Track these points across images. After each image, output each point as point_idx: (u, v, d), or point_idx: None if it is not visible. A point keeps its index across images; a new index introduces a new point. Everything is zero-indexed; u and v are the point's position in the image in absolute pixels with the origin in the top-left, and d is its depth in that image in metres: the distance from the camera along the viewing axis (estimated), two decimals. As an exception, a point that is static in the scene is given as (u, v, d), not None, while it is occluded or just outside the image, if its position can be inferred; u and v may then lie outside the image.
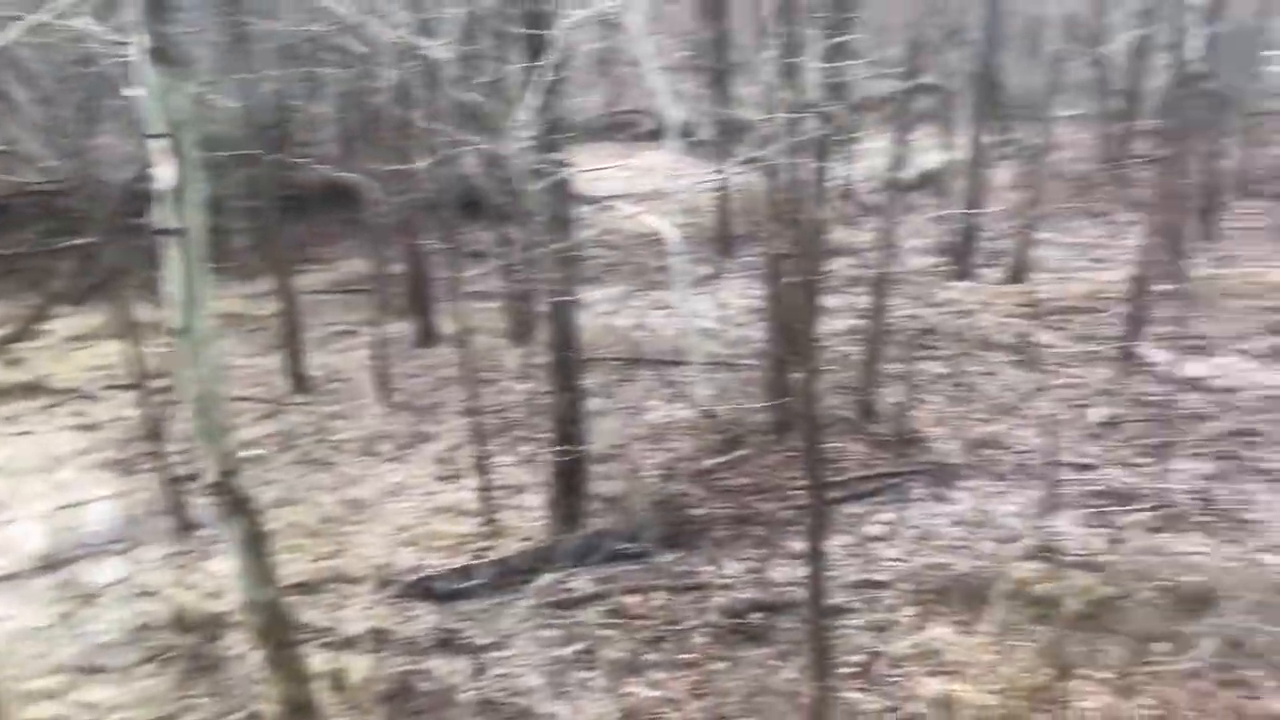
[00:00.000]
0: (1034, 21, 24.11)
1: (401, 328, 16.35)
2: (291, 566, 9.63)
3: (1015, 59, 23.69)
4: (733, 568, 9.64)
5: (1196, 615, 7.91)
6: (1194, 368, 14.21)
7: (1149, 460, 11.38)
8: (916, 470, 11.37)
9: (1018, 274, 18.44)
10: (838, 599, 8.91)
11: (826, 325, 16.53)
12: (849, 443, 12.22)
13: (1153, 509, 10.32)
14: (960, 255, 19.05)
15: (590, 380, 13.82)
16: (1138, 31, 22.57)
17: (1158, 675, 7.38)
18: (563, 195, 8.84)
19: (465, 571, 9.35)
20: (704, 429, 12.30)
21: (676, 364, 14.08)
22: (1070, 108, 27.75)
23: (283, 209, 15.26)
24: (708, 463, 11.55)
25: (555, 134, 8.75)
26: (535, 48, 7.85)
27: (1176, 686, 7.22)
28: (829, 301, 17.46)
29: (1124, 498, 10.62)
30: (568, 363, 9.85)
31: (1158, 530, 10.00)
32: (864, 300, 17.90)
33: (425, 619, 8.87)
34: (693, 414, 12.68)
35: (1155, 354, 14.80)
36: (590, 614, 8.70)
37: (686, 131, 14.94)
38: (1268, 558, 9.36)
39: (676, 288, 12.83)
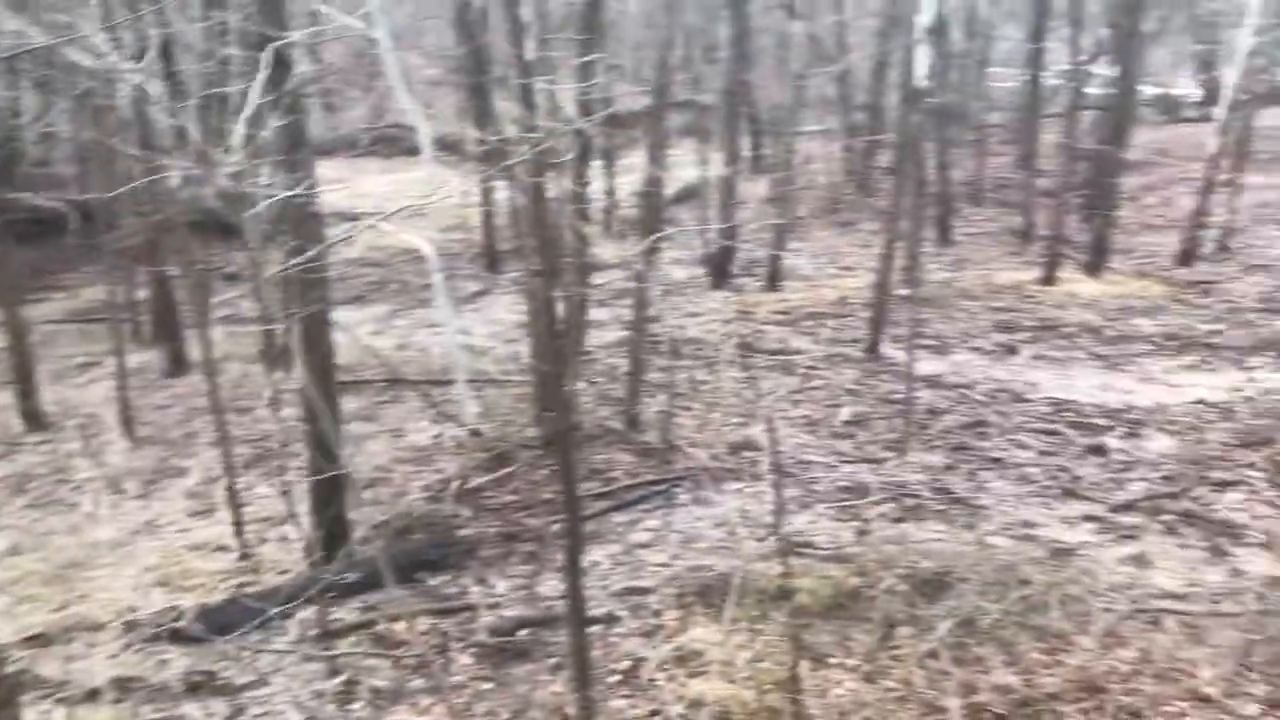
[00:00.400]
0: (782, 38, 25.22)
1: (149, 357, 15.54)
2: (26, 619, 8.99)
3: (765, 76, 24.74)
4: (501, 586, 9.63)
5: (934, 599, 8.45)
6: (931, 366, 15.22)
7: (891, 454, 12.11)
8: (680, 476, 11.68)
9: (773, 283, 19.24)
10: (605, 608, 9.06)
11: (594, 338, 16.81)
12: (616, 453, 12.43)
13: (895, 500, 10.97)
14: (719, 266, 19.70)
15: (351, 403, 13.53)
16: (873, 51, 23.96)
17: (900, 659, 7.85)
18: (308, 214, 8.62)
19: (221, 609, 8.96)
20: (471, 448, 12.25)
21: (443, 383, 13.96)
22: (817, 123, 29.23)
23: (14, 234, 14.25)
24: (475, 482, 11.50)
25: (297, 151, 8.53)
26: (275, 63, 7.62)
27: (917, 668, 7.70)
28: (597, 314, 17.75)
29: (870, 491, 11.24)
30: (323, 387, 9.60)
31: (900, 520, 10.64)
32: (629, 313, 18.32)
33: (177, 663, 8.45)
34: (460, 433, 12.60)
35: (896, 354, 15.77)
36: (354, 644, 8.51)
37: (443, 146, 14.88)
38: (997, 540, 10.11)
39: (440, 305, 12.74)
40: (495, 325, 17.21)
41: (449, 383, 13.32)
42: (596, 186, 23.87)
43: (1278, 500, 10.70)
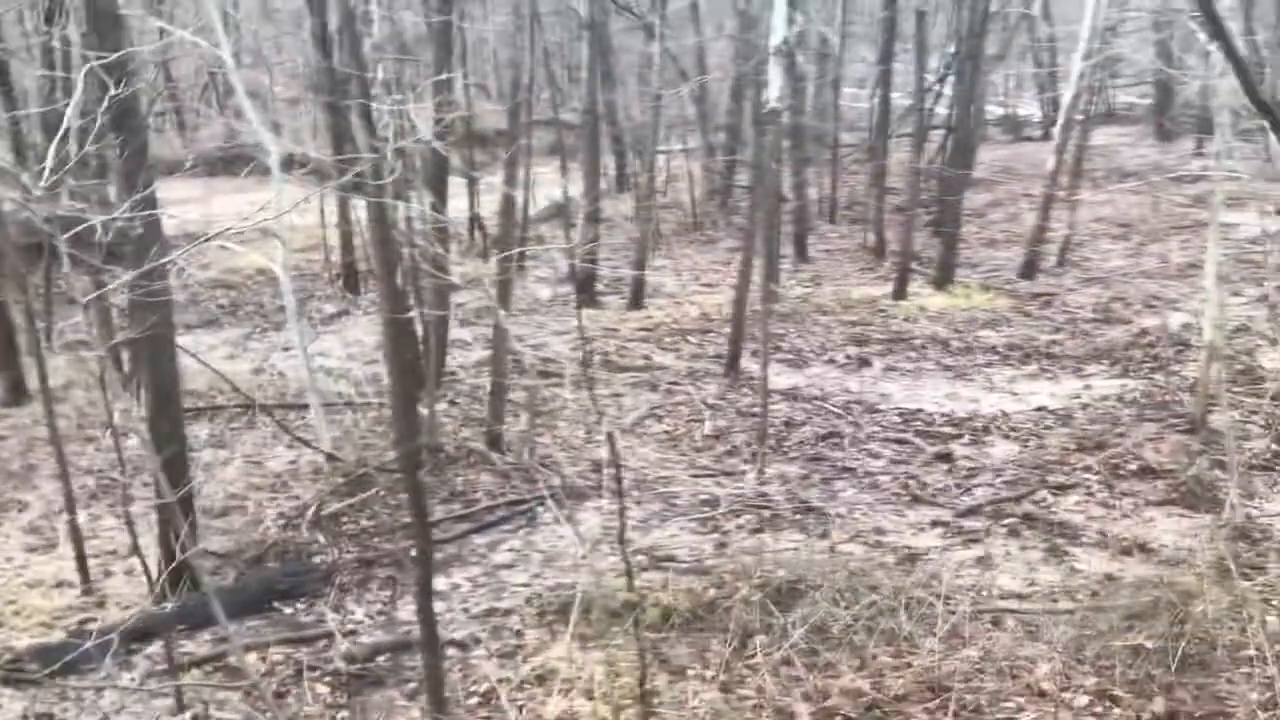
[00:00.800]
0: (644, 58, 25.53)
1: (-15, 386, 14.82)
2: None
3: (628, 95, 25.01)
4: (359, 612, 9.48)
5: (788, 607, 8.64)
6: (790, 379, 15.60)
7: (750, 467, 12.35)
8: (542, 496, 11.66)
9: (637, 300, 19.42)
10: (466, 630, 9.01)
11: (457, 358, 16.71)
12: (479, 474, 12.38)
13: (754, 512, 11.19)
14: (583, 285, 19.77)
15: (204, 430, 13.16)
16: (729, 71, 24.43)
17: (754, 668, 8.00)
18: (149, 235, 8.37)
19: (61, 647, 8.59)
20: (329, 473, 12.03)
21: (299, 407, 13.68)
22: (680, 142, 29.67)
23: None
24: (332, 507, 11.29)
25: (136, 171, 8.30)
26: (109, 81, 7.40)
27: (770, 676, 7.87)
28: (460, 334, 17.66)
29: (729, 503, 11.44)
30: (169, 413, 9.32)
31: (758, 531, 10.86)
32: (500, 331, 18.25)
33: (13, 706, 8.07)
34: (317, 458, 12.36)
35: (756, 368, 16.09)
36: (203, 677, 8.26)
37: (301, 165, 14.63)
38: (850, 548, 10.40)
39: (292, 327, 12.50)
40: (354, 347, 16.94)
41: (305, 407, 13.05)
42: (460, 205, 23.79)
43: (1111, 501, 11.26)
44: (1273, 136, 8.87)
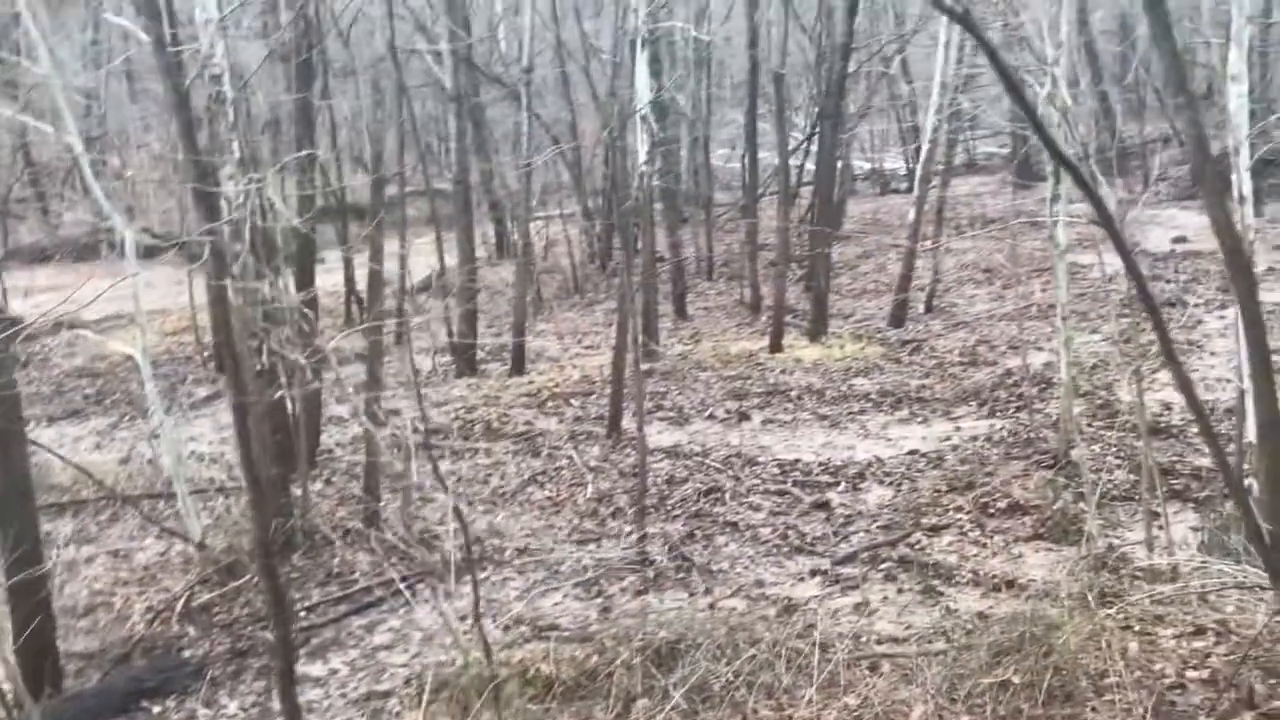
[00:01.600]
0: (516, 125, 25.76)
1: None
2: None
3: (503, 162, 25.15)
4: (232, 706, 9.20)
5: (669, 668, 8.64)
6: (671, 437, 15.72)
7: (633, 528, 12.37)
8: (423, 571, 11.50)
9: (518, 366, 19.40)
10: (344, 716, 8.79)
11: (334, 435, 16.45)
12: (356, 553, 12.16)
13: (637, 572, 11.20)
14: (463, 353, 19.72)
15: (67, 526, 12.68)
16: (601, 135, 24.77)
17: (637, 731, 7.98)
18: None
19: (-93, 769, 8.12)
20: (200, 562, 11.67)
21: (167, 496, 13.27)
22: (557, 207, 29.90)
23: None
24: (204, 597, 10.96)
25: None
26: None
27: (653, 738, 7.85)
28: (339, 410, 17.39)
29: (613, 566, 11.43)
30: (21, 511, 8.97)
31: (642, 593, 10.87)
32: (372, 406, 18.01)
33: None
34: (188, 547, 11.99)
35: (637, 428, 16.18)
36: (64, 788, 7.89)
37: (158, 246, 14.32)
38: (732, 602, 10.47)
39: (155, 413, 12.17)
40: (227, 430, 16.52)
41: (173, 495, 12.67)
42: (337, 279, 23.57)
43: (982, 539, 11.56)
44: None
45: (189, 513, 11.81)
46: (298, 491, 13.56)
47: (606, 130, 21.23)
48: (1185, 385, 6.36)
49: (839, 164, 22.84)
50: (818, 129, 23.56)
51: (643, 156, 19.15)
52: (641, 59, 18.74)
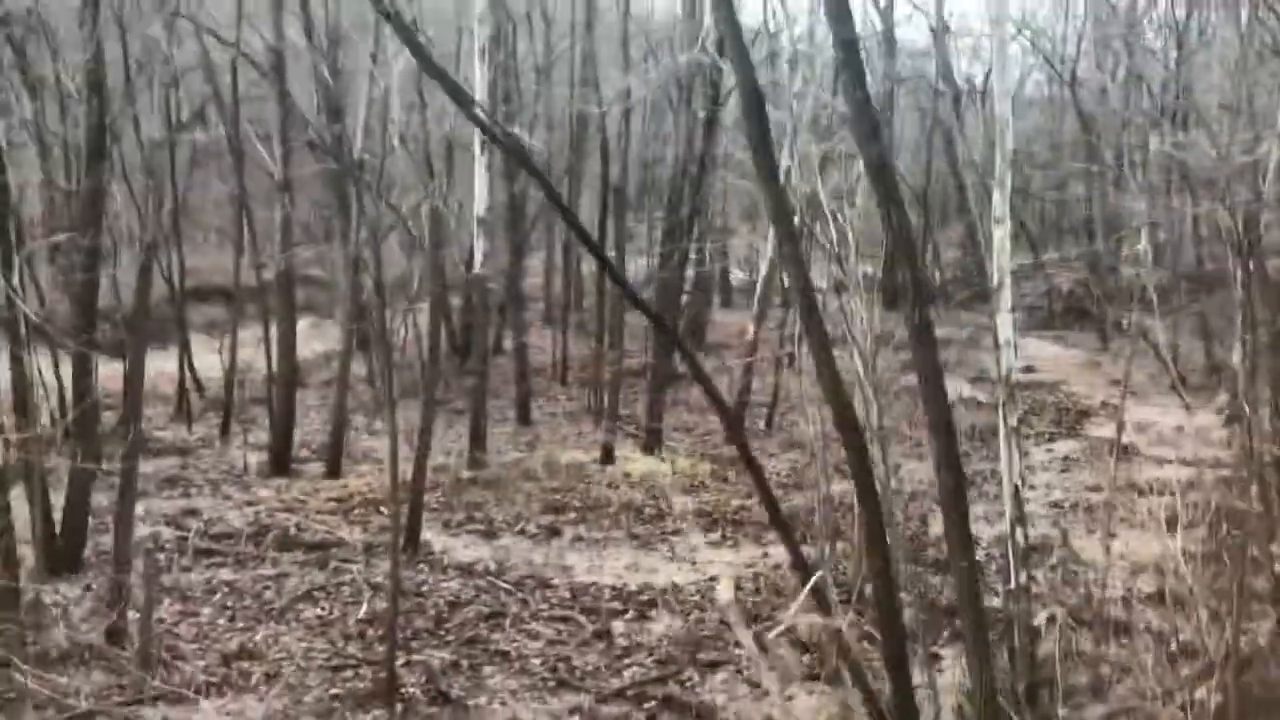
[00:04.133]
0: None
1: None
2: None
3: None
4: None
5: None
6: (474, 552, 15.06)
7: (400, 654, 11.60)
8: (155, 695, 10.58)
9: (334, 469, 18.55)
10: None
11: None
12: (89, 673, 11.16)
13: (387, 705, 10.43)
14: (278, 451, 18.81)
15: None
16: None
17: None
18: None
19: None
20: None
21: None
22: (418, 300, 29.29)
23: None
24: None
25: None
26: None
27: None
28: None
29: (365, 697, 10.65)
30: None
31: (387, 728, 10.11)
32: (177, 504, 17.02)
33: None
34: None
35: (439, 541, 15.48)
36: None
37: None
38: (479, 743, 9.78)
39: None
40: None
41: None
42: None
43: (756, 679, 11.06)
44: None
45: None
46: (47, 599, 12.58)
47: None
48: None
49: (687, 275, 22.68)
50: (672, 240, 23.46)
51: (479, 259, 18.84)
52: (480, 162, 18.54)
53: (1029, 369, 26.54)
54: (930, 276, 34.38)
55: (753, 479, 5.64)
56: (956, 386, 22.74)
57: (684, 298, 24.22)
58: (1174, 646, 11.11)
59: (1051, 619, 11.34)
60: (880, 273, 14.36)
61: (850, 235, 9.87)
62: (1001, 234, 9.35)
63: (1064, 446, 20.12)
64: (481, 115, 5.53)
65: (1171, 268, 27.49)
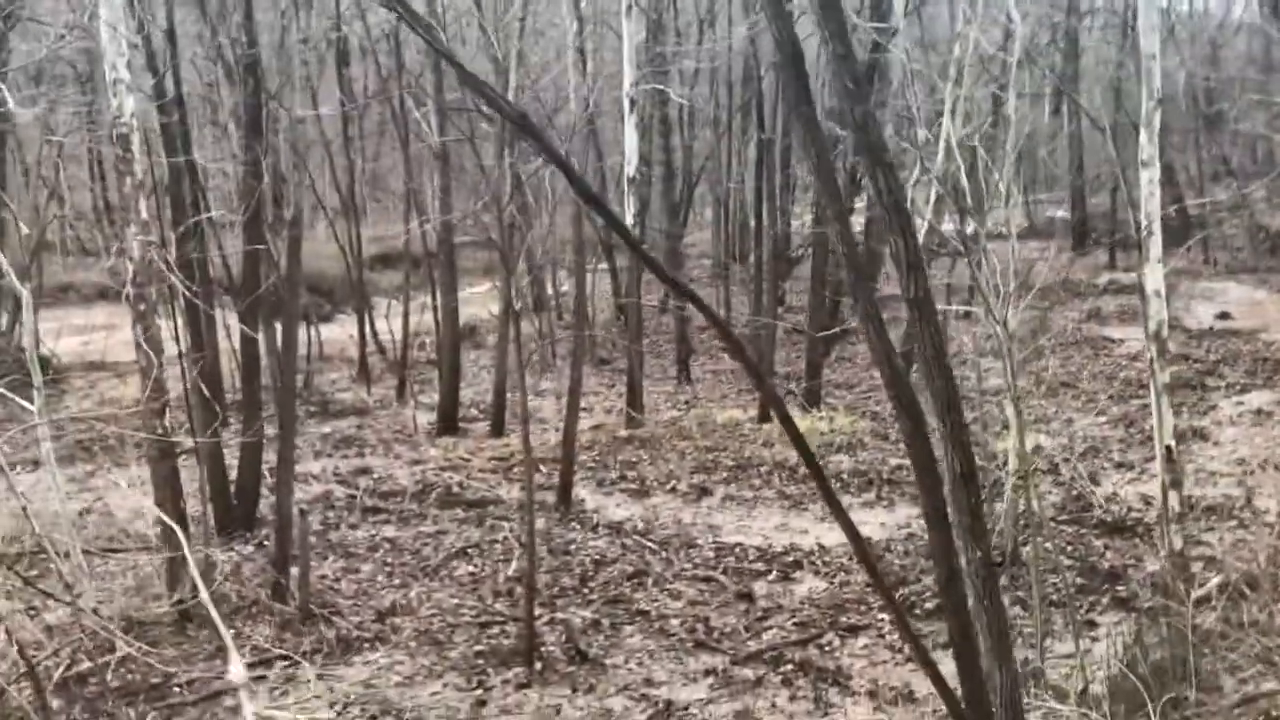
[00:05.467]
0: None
1: None
2: None
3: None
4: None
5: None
6: (624, 511, 15.20)
7: (544, 610, 11.86)
8: (313, 650, 11.15)
9: (497, 428, 19.04)
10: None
11: (308, 490, 16.18)
12: (257, 625, 11.86)
13: (526, 662, 10.67)
14: (445, 411, 19.43)
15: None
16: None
17: None
18: None
19: None
20: (88, 629, 11.46)
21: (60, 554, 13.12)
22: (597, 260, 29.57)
23: None
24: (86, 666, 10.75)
25: None
26: None
27: None
28: (305, 468, 17.22)
29: (508, 654, 10.94)
30: None
31: (525, 686, 10.35)
32: (352, 463, 17.84)
33: None
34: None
35: (593, 499, 15.70)
36: None
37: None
38: (613, 702, 9.92)
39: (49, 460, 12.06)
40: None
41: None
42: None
43: (899, 644, 10.78)
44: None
45: (79, 574, 11.63)
46: (222, 555, 13.40)
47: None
48: (846, 527, 5.68)
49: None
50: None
51: (630, 219, 18.84)
52: (630, 121, 18.48)
53: (1224, 315, 24.83)
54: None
55: (793, 442, 5.36)
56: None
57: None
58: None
59: (1224, 587, 10.61)
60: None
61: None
62: (1149, 177, 8.67)
63: (1258, 398, 18.69)
64: (484, 84, 5.37)
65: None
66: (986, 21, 18.14)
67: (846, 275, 4.89)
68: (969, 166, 16.63)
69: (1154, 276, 8.80)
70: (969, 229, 11.76)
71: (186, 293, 12.36)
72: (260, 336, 14.08)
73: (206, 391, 12.59)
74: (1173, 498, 9.27)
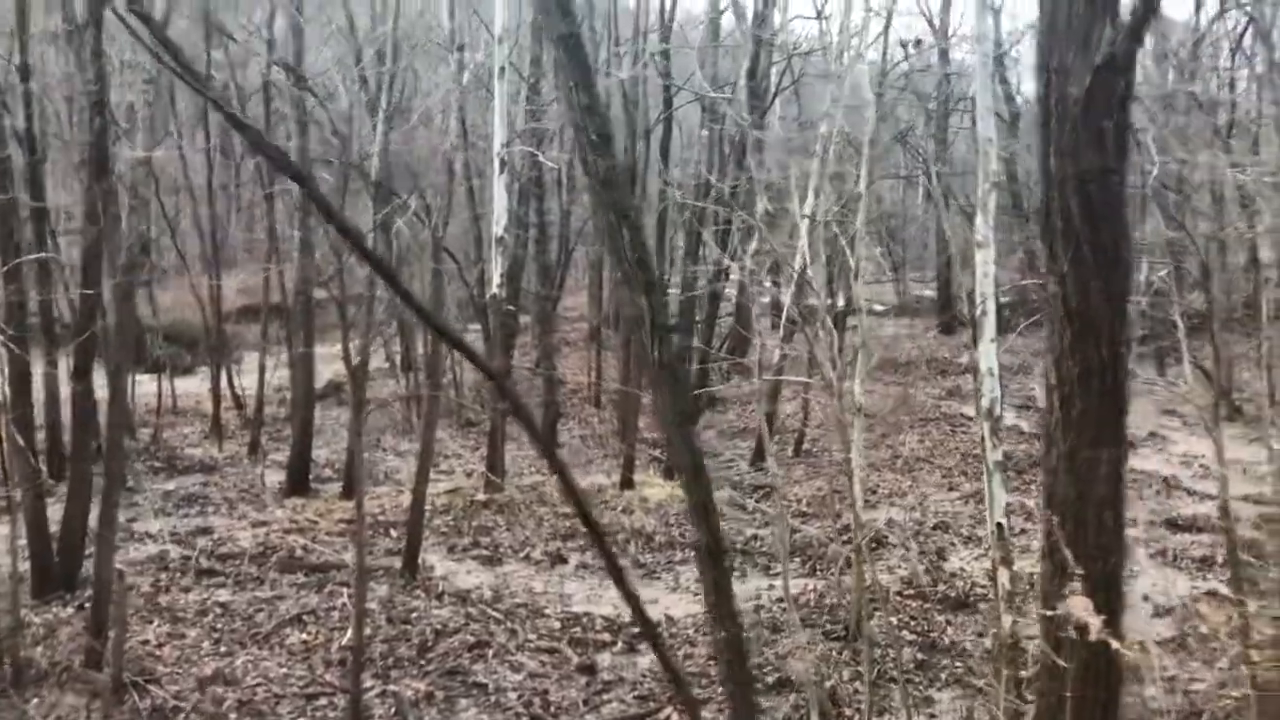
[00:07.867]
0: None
1: None
2: None
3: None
4: None
5: None
6: (472, 578, 14.79)
7: (377, 683, 11.38)
8: (121, 721, 10.46)
9: (348, 489, 18.44)
10: None
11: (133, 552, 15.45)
12: (66, 695, 11.10)
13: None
14: (295, 471, 18.79)
15: None
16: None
17: None
18: None
19: None
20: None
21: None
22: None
23: None
24: None
25: None
26: None
27: None
28: (144, 527, 16.45)
29: (333, 729, 10.43)
30: None
31: (347, 762, 9.85)
32: (192, 523, 17.08)
33: None
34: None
35: (442, 565, 15.25)
36: None
37: None
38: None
39: None
40: None
41: None
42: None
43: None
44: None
45: None
46: (38, 618, 12.62)
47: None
48: (629, 598, 5.57)
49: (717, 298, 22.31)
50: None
51: (496, 280, 18.66)
52: (499, 181, 18.38)
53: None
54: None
55: (571, 502, 5.19)
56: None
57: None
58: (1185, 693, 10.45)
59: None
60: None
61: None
62: (984, 258, 8.85)
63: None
64: (224, 104, 5.14)
65: (1226, 293, 26.34)
66: (859, 103, 18.73)
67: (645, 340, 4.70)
68: (828, 241, 17.00)
69: (987, 355, 8.94)
70: (820, 302, 11.89)
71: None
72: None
73: (22, 441, 11.85)
74: (1003, 575, 9.34)
